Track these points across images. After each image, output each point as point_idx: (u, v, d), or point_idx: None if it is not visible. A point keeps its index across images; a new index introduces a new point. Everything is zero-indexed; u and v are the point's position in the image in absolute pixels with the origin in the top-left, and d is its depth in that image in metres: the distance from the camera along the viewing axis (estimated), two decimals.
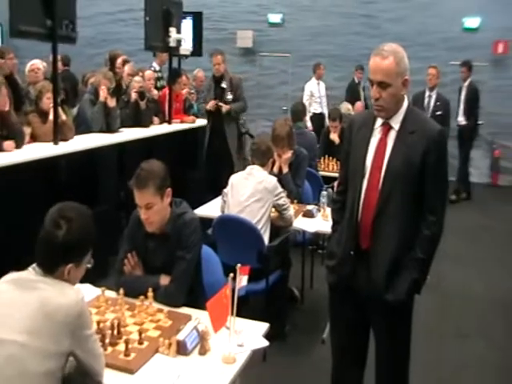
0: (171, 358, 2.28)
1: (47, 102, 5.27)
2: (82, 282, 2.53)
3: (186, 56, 7.68)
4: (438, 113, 7.82)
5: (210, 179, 7.05)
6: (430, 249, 2.58)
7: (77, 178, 5.08)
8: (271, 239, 4.17)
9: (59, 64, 6.12)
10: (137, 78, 6.87)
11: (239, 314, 2.39)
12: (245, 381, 2.40)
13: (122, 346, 2.28)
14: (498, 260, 6.43)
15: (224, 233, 4.07)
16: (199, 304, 2.64)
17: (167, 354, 2.29)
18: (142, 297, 2.63)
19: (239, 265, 2.34)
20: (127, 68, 7.13)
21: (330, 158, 6.59)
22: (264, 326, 2.58)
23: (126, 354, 2.24)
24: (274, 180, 4.23)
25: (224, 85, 6.95)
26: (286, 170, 4.83)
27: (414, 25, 10.81)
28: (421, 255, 2.55)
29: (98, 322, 2.38)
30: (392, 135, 2.59)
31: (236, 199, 4.17)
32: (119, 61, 7.26)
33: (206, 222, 4.02)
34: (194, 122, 7.32)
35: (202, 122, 7.61)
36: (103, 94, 6.05)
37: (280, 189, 4.24)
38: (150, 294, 2.63)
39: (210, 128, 7.04)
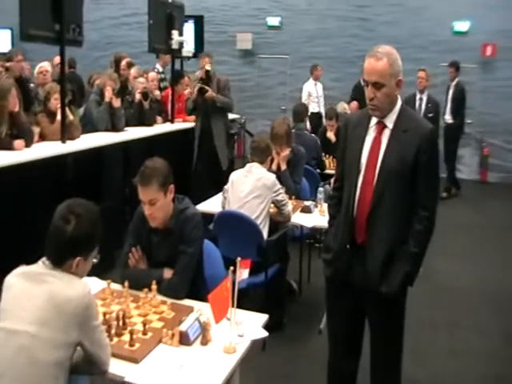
0: (174, 348, 2.31)
1: (55, 102, 5.35)
2: (88, 275, 2.59)
3: (188, 58, 7.72)
4: (430, 115, 7.84)
5: (196, 179, 6.81)
6: (423, 243, 2.64)
7: (83, 175, 5.15)
8: (270, 234, 4.22)
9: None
10: (141, 79, 6.94)
11: (239, 306, 2.43)
12: (245, 370, 2.44)
13: (126, 337, 2.32)
14: (487, 253, 6.53)
15: (225, 228, 4.11)
16: (201, 296, 2.67)
17: (170, 345, 2.32)
18: (146, 289, 2.65)
19: (239, 258, 2.38)
20: (133, 71, 7.20)
21: (327, 155, 6.63)
22: (263, 318, 2.61)
23: (131, 344, 2.28)
24: (272, 177, 4.28)
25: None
26: (284, 167, 4.88)
27: (406, 28, 10.93)
28: (414, 249, 2.61)
29: (104, 314, 2.41)
30: (386, 134, 2.64)
31: (236, 195, 4.22)
32: (123, 63, 7.34)
33: (207, 217, 4.07)
34: (195, 121, 7.36)
35: None
36: (108, 94, 6.12)
37: (278, 185, 4.29)
38: (154, 286, 2.66)
39: (199, 128, 6.69)
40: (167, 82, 8.19)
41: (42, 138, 5.32)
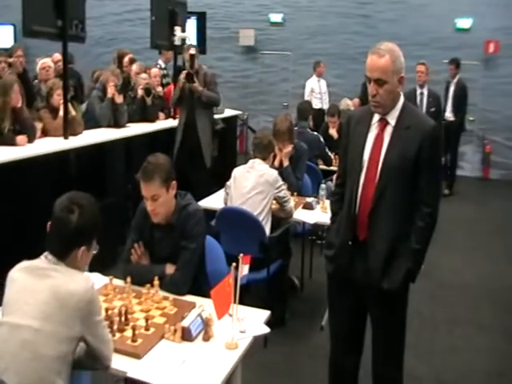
0: (176, 344, 2.31)
1: (57, 98, 5.37)
2: (90, 270, 2.62)
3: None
4: (432, 109, 7.81)
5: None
6: (425, 239, 2.65)
7: (86, 171, 5.17)
8: (272, 230, 4.23)
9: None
10: (143, 75, 6.96)
11: (241, 302, 2.43)
12: (246, 365, 2.44)
13: (129, 332, 2.32)
14: (488, 250, 6.53)
15: (227, 224, 4.12)
16: (203, 292, 2.68)
17: (172, 340, 2.33)
18: (148, 285, 2.66)
19: (241, 254, 2.37)
20: (135, 67, 7.20)
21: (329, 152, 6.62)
22: (265, 314, 2.62)
23: (133, 340, 2.28)
24: (275, 173, 4.28)
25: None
26: (286, 163, 4.88)
27: (408, 25, 10.91)
28: (416, 245, 2.62)
29: (107, 309, 2.42)
30: (388, 130, 2.64)
31: (238, 191, 4.23)
32: (126, 59, 7.35)
33: (209, 213, 4.09)
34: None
35: None
36: (111, 90, 6.13)
37: (281, 182, 4.29)
38: (156, 282, 2.67)
39: (183, 123, 6.24)
40: (169, 78, 8.21)
41: (45, 133, 5.35)
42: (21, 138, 4.80)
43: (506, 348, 4.25)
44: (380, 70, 2.54)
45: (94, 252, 2.23)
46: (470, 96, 9.17)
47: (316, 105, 9.97)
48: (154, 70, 7.56)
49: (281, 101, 12.02)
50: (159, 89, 7.34)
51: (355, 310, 2.83)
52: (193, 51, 6.04)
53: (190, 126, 6.19)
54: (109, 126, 6.17)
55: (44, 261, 2.09)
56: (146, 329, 2.38)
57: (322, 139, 6.32)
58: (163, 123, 6.99)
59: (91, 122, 6.11)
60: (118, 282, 2.81)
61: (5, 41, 11.48)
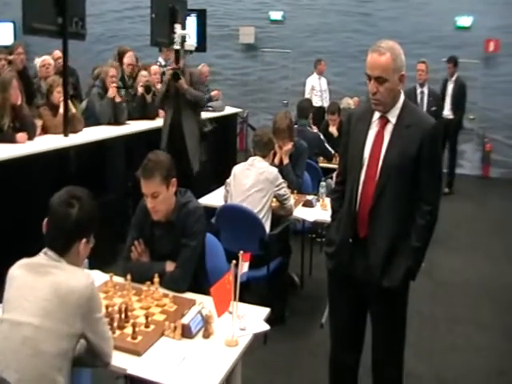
0: (176, 341, 2.31)
1: (57, 95, 5.37)
2: (91, 268, 2.63)
3: (191, 51, 7.72)
4: (433, 108, 7.77)
5: None
6: (425, 237, 2.65)
7: (86, 168, 5.17)
8: (272, 228, 4.23)
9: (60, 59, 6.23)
10: (143, 73, 6.94)
11: (241, 299, 2.44)
12: (246, 363, 2.45)
13: (129, 330, 2.33)
14: (488, 248, 6.54)
15: (227, 221, 4.12)
16: (203, 289, 2.68)
17: (172, 337, 2.33)
18: (148, 282, 2.66)
19: (241, 252, 2.38)
20: (126, 59, 7.14)
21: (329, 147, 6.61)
22: (265, 311, 2.62)
23: (134, 337, 2.28)
24: (275, 171, 4.29)
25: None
26: (286, 161, 4.88)
27: (409, 23, 10.93)
28: (416, 243, 2.63)
29: (107, 307, 2.42)
30: (389, 128, 2.64)
31: (238, 189, 4.23)
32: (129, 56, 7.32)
33: (209, 210, 4.09)
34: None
35: (206, 114, 7.71)
36: (112, 91, 6.12)
37: (281, 179, 4.29)
38: (156, 279, 2.67)
39: (169, 125, 5.99)
40: None
41: (45, 131, 5.35)
42: (21, 136, 4.80)
43: (506, 347, 4.25)
44: (380, 68, 2.54)
45: (91, 245, 2.23)
46: (470, 94, 9.17)
47: (316, 103, 9.97)
48: (154, 68, 7.54)
49: (281, 98, 12.04)
50: (159, 86, 7.32)
51: (355, 307, 2.83)
52: (177, 46, 5.89)
53: (175, 127, 5.95)
54: (109, 123, 6.17)
55: (44, 257, 2.09)
56: (146, 326, 2.38)
57: (321, 136, 6.33)
58: (163, 120, 6.96)
59: (91, 120, 6.12)
60: (118, 279, 2.81)
61: (5, 38, 11.48)
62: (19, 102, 4.86)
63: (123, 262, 2.97)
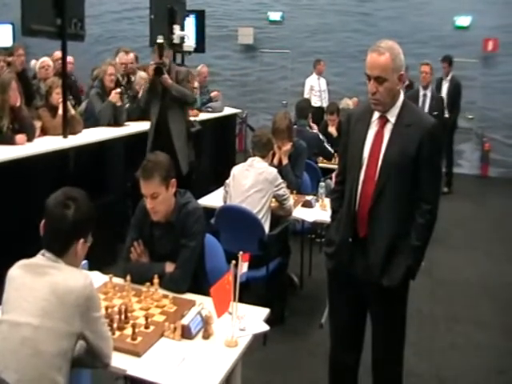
0: (176, 342, 2.31)
1: (57, 97, 5.37)
2: (90, 269, 2.63)
3: (190, 52, 7.70)
4: (435, 113, 7.60)
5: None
6: (425, 236, 2.66)
7: (85, 169, 5.16)
8: (271, 228, 4.23)
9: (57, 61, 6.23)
10: (142, 74, 6.93)
11: (241, 300, 2.43)
12: (246, 363, 2.45)
13: (129, 330, 2.32)
14: (487, 248, 6.55)
15: (226, 222, 4.12)
16: (203, 290, 2.68)
17: (172, 338, 2.33)
18: (148, 283, 2.66)
19: (241, 252, 2.37)
20: (118, 58, 7.11)
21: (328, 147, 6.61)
22: (265, 312, 2.62)
23: (133, 338, 2.28)
24: (274, 171, 4.28)
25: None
26: (285, 161, 4.88)
27: (408, 23, 10.95)
28: (415, 242, 2.63)
29: (106, 308, 2.42)
30: (388, 128, 2.64)
31: (238, 190, 4.23)
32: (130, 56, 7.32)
33: (209, 211, 4.09)
34: (197, 115, 7.35)
35: (205, 115, 7.75)
36: (114, 97, 6.11)
37: (280, 180, 4.29)
38: (156, 280, 2.66)
39: (154, 125, 5.69)
40: None
41: (44, 132, 5.34)
42: (20, 137, 4.80)
43: (506, 345, 4.25)
44: (380, 67, 2.54)
45: (89, 244, 2.23)
46: (469, 94, 9.19)
47: (315, 103, 9.98)
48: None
49: (280, 99, 12.04)
50: None
51: (355, 306, 2.83)
52: (160, 40, 5.64)
53: (161, 127, 5.65)
54: (108, 124, 6.16)
55: (42, 258, 2.09)
56: (146, 327, 2.38)
57: (321, 136, 6.32)
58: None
59: (90, 121, 6.11)
60: (117, 280, 2.80)
61: (4, 40, 11.47)
62: (18, 104, 4.85)
63: (123, 262, 2.97)
